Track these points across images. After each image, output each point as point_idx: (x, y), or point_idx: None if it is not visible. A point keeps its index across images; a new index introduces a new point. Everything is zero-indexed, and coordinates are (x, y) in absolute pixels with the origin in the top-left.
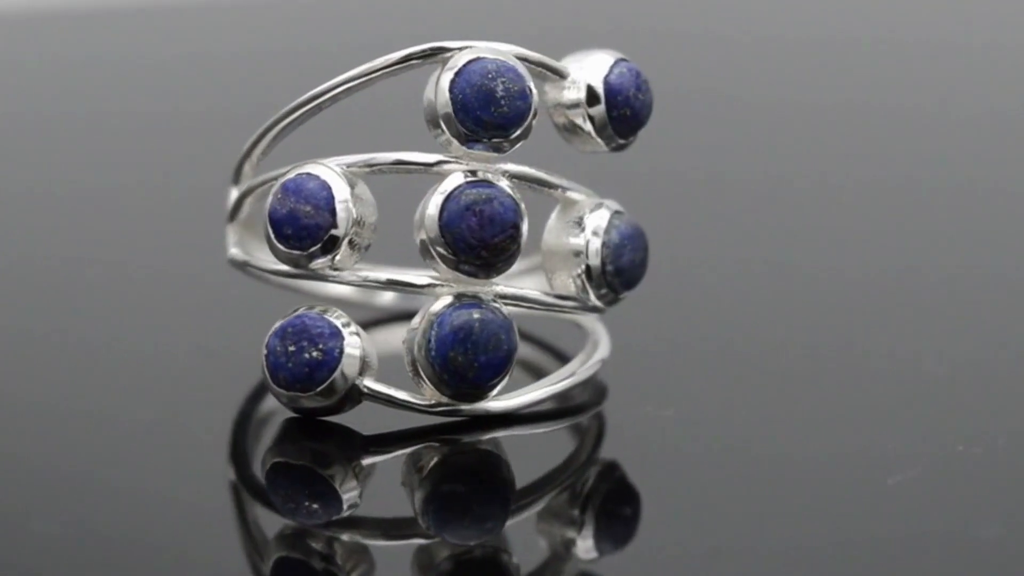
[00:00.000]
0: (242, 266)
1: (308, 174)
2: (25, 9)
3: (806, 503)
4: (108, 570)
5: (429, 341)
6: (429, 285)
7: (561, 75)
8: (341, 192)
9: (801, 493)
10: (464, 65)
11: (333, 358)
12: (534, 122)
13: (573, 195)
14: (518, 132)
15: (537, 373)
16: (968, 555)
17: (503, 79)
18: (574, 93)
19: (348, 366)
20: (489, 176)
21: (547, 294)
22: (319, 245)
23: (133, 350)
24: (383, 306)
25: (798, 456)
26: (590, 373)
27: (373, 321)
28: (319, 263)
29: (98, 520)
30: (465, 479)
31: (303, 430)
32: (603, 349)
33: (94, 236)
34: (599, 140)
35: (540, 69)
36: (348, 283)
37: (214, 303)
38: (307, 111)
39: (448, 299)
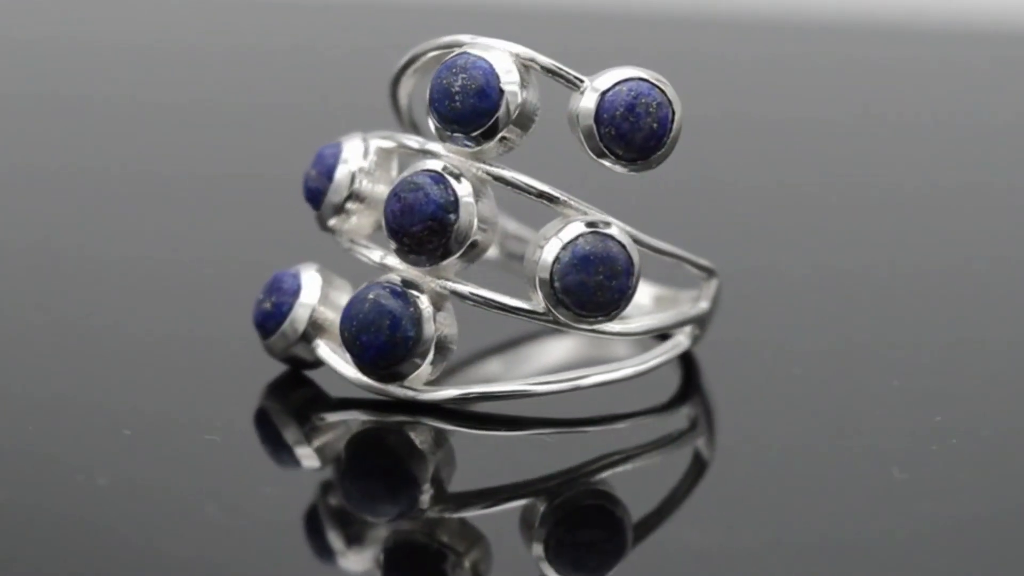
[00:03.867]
0: None
1: (337, 142)
2: None
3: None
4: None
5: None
6: (382, 266)
7: (573, 83)
8: (350, 163)
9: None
10: (449, 59)
11: (280, 313)
12: (514, 123)
13: (563, 208)
14: (479, 130)
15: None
16: None
17: (464, 75)
18: (576, 104)
19: (294, 323)
20: (453, 171)
21: (513, 299)
22: (322, 208)
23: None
24: None
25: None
26: (540, 389)
27: None
28: (333, 223)
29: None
30: (378, 460)
31: (295, 379)
32: (603, 371)
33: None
34: (593, 156)
35: (552, 76)
36: (344, 250)
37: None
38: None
39: (391, 279)
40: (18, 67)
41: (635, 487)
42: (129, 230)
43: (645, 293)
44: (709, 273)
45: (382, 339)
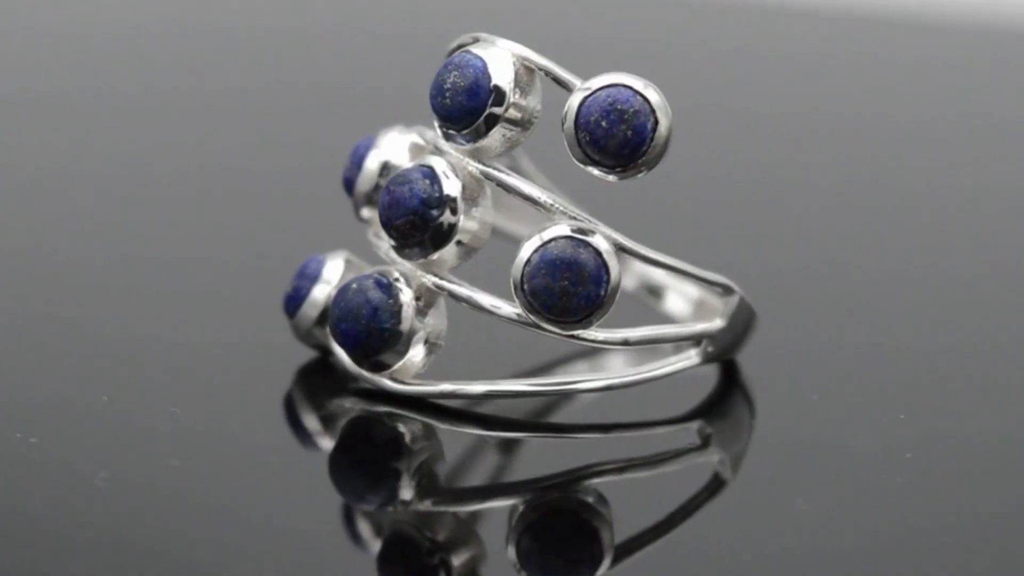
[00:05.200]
0: None
1: (373, 135)
2: None
3: None
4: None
5: None
6: (388, 258)
7: (566, 87)
8: (379, 156)
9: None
10: (450, 56)
11: (299, 296)
12: (507, 122)
13: (553, 214)
14: (467, 128)
15: None
16: None
17: (456, 72)
18: (565, 107)
19: (309, 307)
20: (448, 168)
21: (498, 300)
22: (354, 197)
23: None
24: None
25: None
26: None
27: None
28: (366, 213)
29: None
30: (365, 450)
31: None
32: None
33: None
34: (577, 163)
35: (549, 77)
36: (369, 241)
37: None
38: None
39: (384, 271)
40: (53, 58)
41: (628, 499)
42: (173, 223)
43: (686, 300)
44: (725, 289)
45: (359, 328)
